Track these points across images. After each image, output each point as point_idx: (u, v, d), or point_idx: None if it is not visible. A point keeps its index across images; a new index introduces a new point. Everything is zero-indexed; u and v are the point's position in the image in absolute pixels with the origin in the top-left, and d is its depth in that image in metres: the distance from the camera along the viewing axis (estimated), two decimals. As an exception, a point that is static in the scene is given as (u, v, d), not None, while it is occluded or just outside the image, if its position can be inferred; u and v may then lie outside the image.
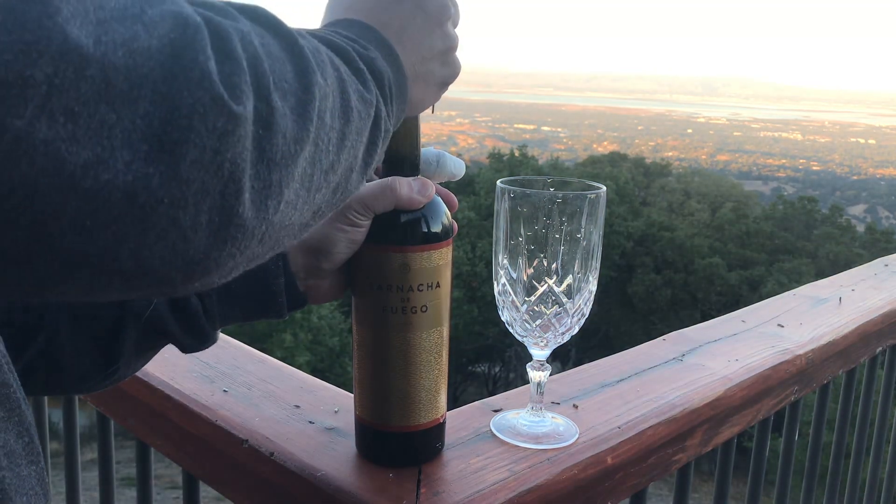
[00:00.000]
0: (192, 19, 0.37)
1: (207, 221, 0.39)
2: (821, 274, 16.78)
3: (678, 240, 27.59)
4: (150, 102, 0.35)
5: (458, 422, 0.86)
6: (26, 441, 0.49)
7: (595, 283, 0.82)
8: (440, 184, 0.77)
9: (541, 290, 0.79)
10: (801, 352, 1.16)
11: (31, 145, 0.32)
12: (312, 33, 0.52)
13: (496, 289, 0.83)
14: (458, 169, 0.78)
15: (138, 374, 0.96)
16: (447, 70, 0.68)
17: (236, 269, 0.43)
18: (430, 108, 0.69)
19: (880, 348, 1.46)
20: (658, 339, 1.17)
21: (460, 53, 0.70)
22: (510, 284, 0.80)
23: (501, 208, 0.80)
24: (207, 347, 0.75)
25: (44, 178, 0.32)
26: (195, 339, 0.73)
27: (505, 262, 0.80)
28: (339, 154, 0.49)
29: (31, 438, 0.50)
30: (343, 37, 0.55)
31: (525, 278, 0.79)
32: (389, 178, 0.72)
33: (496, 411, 0.89)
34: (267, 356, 1.05)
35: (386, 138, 0.56)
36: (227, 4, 0.43)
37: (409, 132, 0.72)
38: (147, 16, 0.36)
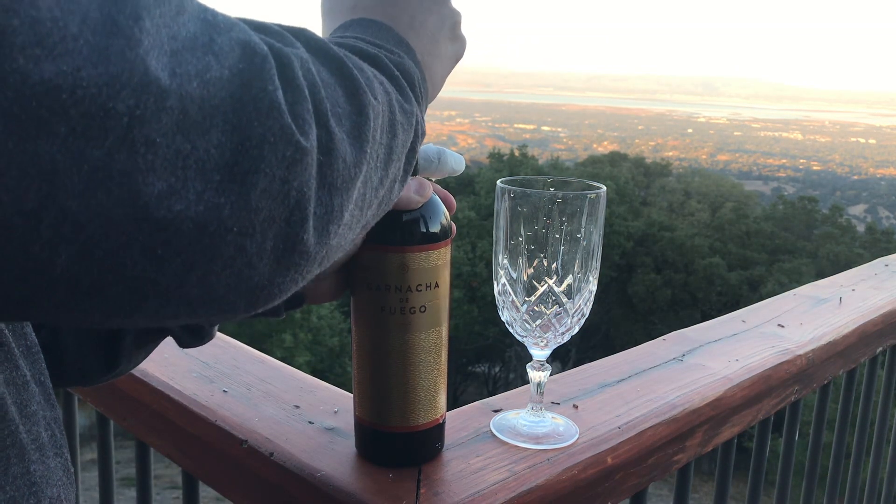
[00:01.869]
0: (259, 48, 0.38)
1: (272, 248, 0.39)
2: (821, 274, 16.80)
3: (678, 240, 27.62)
4: (221, 132, 0.35)
5: (458, 422, 0.86)
6: (50, 434, 0.50)
7: (595, 283, 0.82)
8: (438, 182, 0.77)
9: (541, 290, 0.79)
10: (801, 352, 1.16)
11: (108, 176, 0.32)
12: (339, 43, 0.52)
13: (496, 289, 0.83)
14: (458, 165, 0.78)
15: (138, 374, 0.96)
16: (457, 45, 0.69)
17: (295, 290, 0.44)
18: None
19: (880, 348, 1.46)
20: (658, 339, 1.17)
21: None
22: (510, 284, 0.80)
23: (501, 208, 0.80)
24: (204, 343, 0.75)
25: (119, 209, 0.33)
26: (192, 336, 0.73)
27: (505, 262, 0.80)
28: (386, 169, 0.49)
29: (53, 431, 0.51)
30: (367, 42, 0.55)
31: (525, 278, 0.79)
32: None
33: (496, 411, 0.89)
34: (266, 356, 1.05)
35: (422, 141, 0.57)
36: (281, 28, 0.44)
37: None
38: (217, 45, 0.36)
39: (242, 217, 0.37)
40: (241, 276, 0.39)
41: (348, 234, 0.46)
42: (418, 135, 0.55)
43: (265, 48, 0.38)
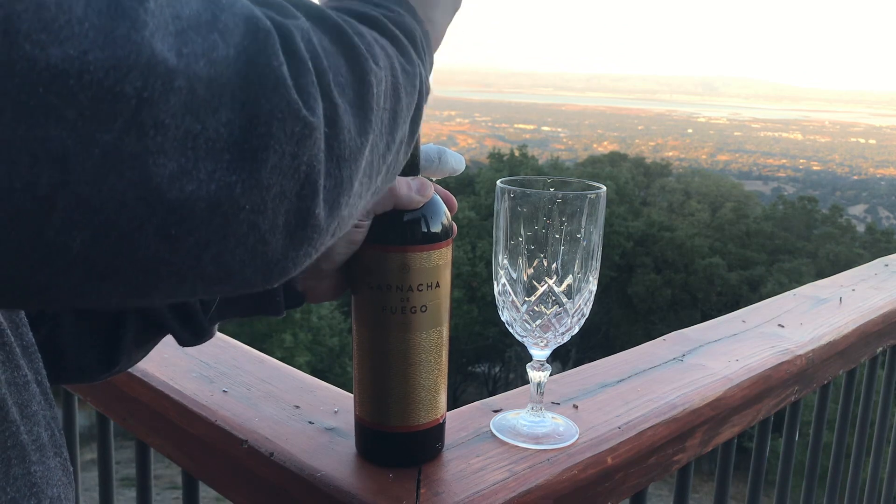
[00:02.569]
0: (262, 23, 0.37)
1: (285, 224, 0.39)
2: (821, 274, 16.79)
3: (678, 240, 27.64)
4: (230, 110, 0.35)
5: (458, 422, 0.86)
6: (50, 434, 0.50)
7: (595, 283, 0.82)
8: (438, 182, 0.77)
9: (541, 290, 0.79)
10: (801, 352, 1.16)
11: (119, 159, 0.32)
12: (338, 7, 0.52)
13: (496, 289, 0.83)
14: (458, 164, 0.78)
15: (138, 374, 0.96)
16: None
17: (310, 262, 0.44)
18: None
19: (880, 348, 1.46)
20: (658, 339, 1.17)
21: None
22: (510, 284, 0.80)
23: (501, 208, 0.80)
24: (204, 342, 0.75)
25: (131, 192, 0.33)
26: (192, 334, 0.73)
27: (505, 262, 0.80)
28: (392, 134, 0.49)
29: (52, 431, 0.51)
30: (366, 2, 0.54)
31: (525, 278, 0.79)
32: None
33: (496, 411, 0.89)
34: (266, 356, 1.05)
35: (427, 98, 0.56)
36: None
37: None
38: (221, 22, 0.36)
39: (254, 194, 0.37)
40: (256, 252, 0.39)
41: (359, 202, 0.46)
42: (423, 94, 0.54)
43: (268, 23, 0.38)
